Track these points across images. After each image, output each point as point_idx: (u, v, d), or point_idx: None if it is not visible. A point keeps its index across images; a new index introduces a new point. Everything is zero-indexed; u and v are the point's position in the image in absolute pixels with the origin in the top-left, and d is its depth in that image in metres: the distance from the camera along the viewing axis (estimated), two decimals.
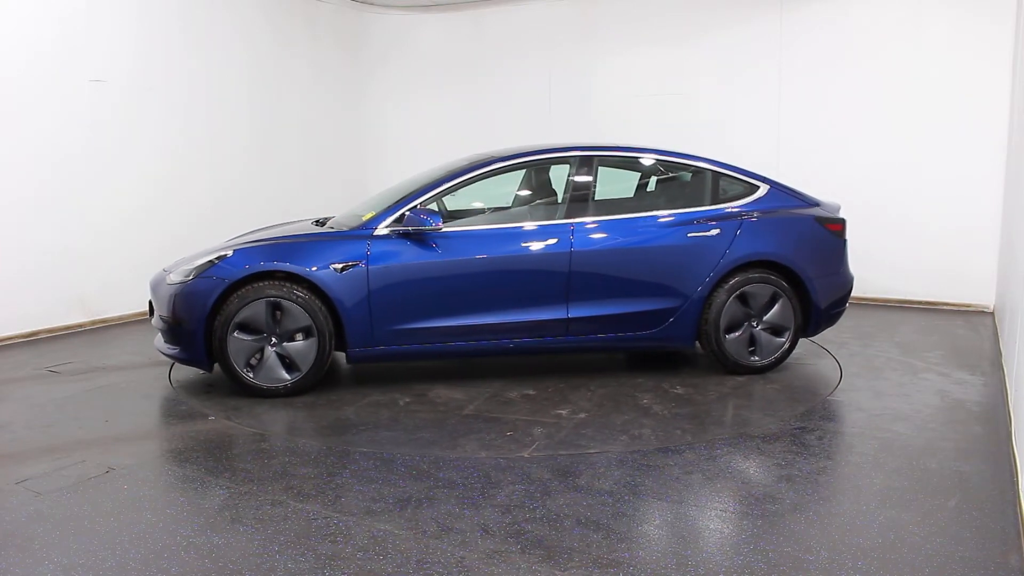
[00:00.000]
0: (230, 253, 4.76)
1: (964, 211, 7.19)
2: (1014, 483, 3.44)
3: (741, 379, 5.10)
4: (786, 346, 5.18)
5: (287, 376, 4.74)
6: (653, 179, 5.53)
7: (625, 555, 2.86)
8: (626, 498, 3.35)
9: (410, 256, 4.79)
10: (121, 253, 7.00)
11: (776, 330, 5.16)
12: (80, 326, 6.75)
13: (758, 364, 5.16)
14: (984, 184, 7.08)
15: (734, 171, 5.33)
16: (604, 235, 5.00)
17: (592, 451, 3.87)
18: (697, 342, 5.18)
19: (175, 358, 4.87)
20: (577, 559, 2.84)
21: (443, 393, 4.90)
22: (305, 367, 4.73)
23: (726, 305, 5.04)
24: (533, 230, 4.99)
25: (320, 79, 9.03)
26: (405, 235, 4.82)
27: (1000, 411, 4.45)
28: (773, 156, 7.83)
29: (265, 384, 4.72)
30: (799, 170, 7.50)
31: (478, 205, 5.58)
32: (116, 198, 6.95)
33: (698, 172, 5.35)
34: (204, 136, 7.69)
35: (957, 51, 7.09)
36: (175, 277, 4.80)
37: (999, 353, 5.68)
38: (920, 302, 7.49)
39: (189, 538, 3.00)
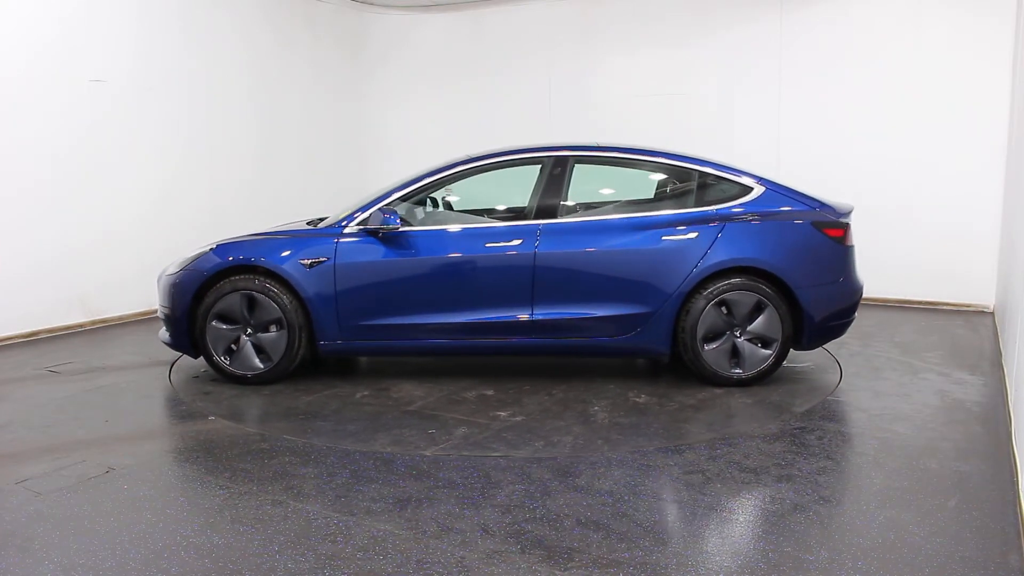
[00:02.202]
0: (214, 246, 5.08)
1: (964, 211, 7.19)
2: (1014, 483, 3.44)
3: (719, 391, 4.84)
4: (772, 359, 4.86)
5: (260, 365, 4.99)
6: (634, 180, 5.43)
7: (625, 555, 2.86)
8: (626, 498, 3.35)
9: (374, 254, 4.93)
10: (121, 253, 7.00)
11: (763, 341, 4.86)
12: (80, 326, 6.75)
13: (740, 377, 4.87)
14: (984, 184, 7.08)
15: (726, 171, 5.04)
16: (572, 237, 4.88)
17: (494, 455, 3.85)
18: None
19: (168, 344, 5.15)
20: (577, 559, 2.84)
21: (404, 389, 4.98)
22: (276, 357, 4.97)
23: (704, 313, 4.78)
24: (498, 230, 4.97)
25: (320, 79, 9.03)
26: (372, 234, 4.95)
27: (1000, 411, 4.45)
28: (773, 156, 7.83)
29: (239, 371, 5.00)
30: (799, 170, 7.49)
31: (459, 205, 5.62)
32: (116, 198, 6.96)
33: (683, 172, 5.11)
34: (204, 136, 7.69)
35: (957, 51, 7.09)
36: (171, 269, 5.15)
37: (999, 353, 5.68)
38: (920, 302, 7.49)
39: (189, 538, 3.01)
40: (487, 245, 4.91)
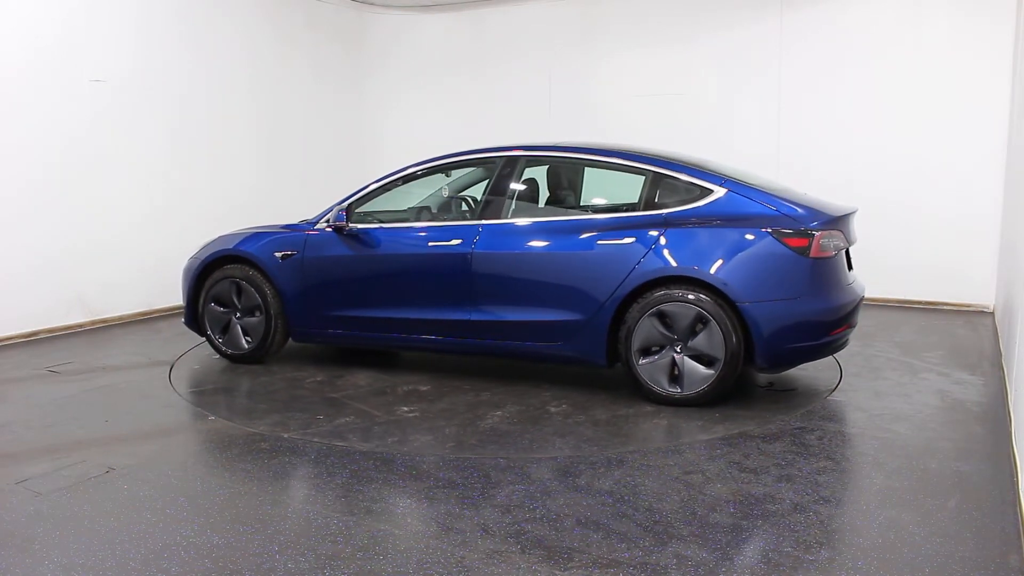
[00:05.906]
0: (215, 238, 5.68)
1: (964, 211, 7.19)
2: (1014, 483, 3.44)
3: (648, 408, 4.49)
4: (714, 380, 4.38)
5: (245, 346, 5.50)
6: (585, 181, 5.35)
7: (625, 555, 2.86)
8: (626, 498, 3.35)
9: (336, 250, 5.23)
10: (121, 253, 7.00)
11: (707, 359, 4.41)
12: (80, 326, 6.75)
13: (677, 396, 4.46)
14: (984, 184, 7.08)
15: (686, 172, 4.65)
16: (508, 238, 4.83)
17: (339, 444, 3.97)
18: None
19: (185, 323, 5.75)
20: (577, 559, 2.84)
21: (353, 379, 5.20)
22: (256, 340, 5.45)
23: (638, 324, 4.46)
24: (442, 230, 5.05)
25: (320, 79, 9.03)
26: (337, 230, 5.23)
27: (1000, 411, 4.45)
28: (773, 156, 7.82)
29: (229, 350, 5.55)
30: (799, 171, 7.50)
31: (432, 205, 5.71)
32: (116, 198, 6.95)
33: (636, 173, 4.79)
34: (205, 136, 7.69)
35: (957, 51, 7.09)
36: (190, 256, 5.75)
37: (999, 353, 5.68)
38: (920, 302, 7.49)
39: (189, 538, 3.01)
40: (430, 244, 5.00)
